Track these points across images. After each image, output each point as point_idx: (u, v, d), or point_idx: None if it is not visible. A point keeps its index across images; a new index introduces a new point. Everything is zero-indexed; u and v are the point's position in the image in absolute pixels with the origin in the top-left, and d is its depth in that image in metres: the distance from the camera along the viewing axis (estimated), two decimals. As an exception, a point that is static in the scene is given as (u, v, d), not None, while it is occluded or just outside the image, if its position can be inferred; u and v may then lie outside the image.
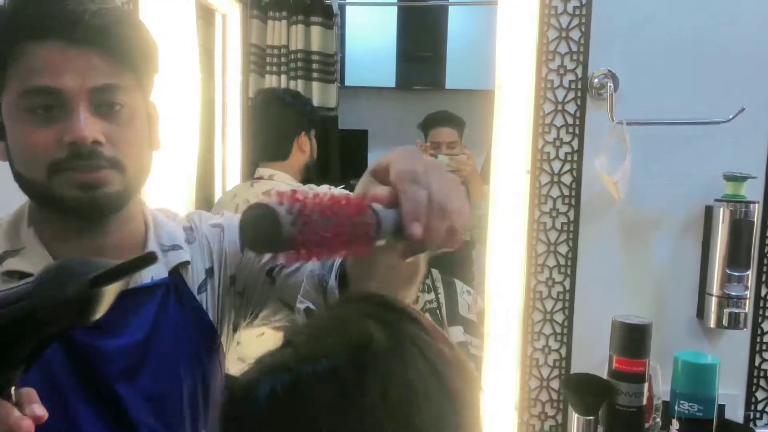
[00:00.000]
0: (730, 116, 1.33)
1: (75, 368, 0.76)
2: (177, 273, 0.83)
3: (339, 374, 0.47)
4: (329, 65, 2.47)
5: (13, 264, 0.77)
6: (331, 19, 2.47)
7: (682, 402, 1.24)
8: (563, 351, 1.43)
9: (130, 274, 0.51)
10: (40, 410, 0.53)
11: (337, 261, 0.73)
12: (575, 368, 1.42)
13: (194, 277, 0.85)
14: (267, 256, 0.85)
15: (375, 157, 0.59)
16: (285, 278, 0.81)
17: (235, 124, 2.17)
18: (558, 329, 1.42)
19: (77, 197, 0.73)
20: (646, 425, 1.30)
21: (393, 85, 2.92)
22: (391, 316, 0.52)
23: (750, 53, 1.38)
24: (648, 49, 1.38)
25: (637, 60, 1.38)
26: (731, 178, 1.34)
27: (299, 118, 1.87)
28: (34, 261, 0.77)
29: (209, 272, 0.86)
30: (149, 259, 0.51)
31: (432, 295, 1.87)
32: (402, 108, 2.88)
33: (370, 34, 2.86)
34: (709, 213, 1.38)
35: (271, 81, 2.42)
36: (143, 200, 0.86)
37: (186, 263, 0.84)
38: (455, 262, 2.01)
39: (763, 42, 1.38)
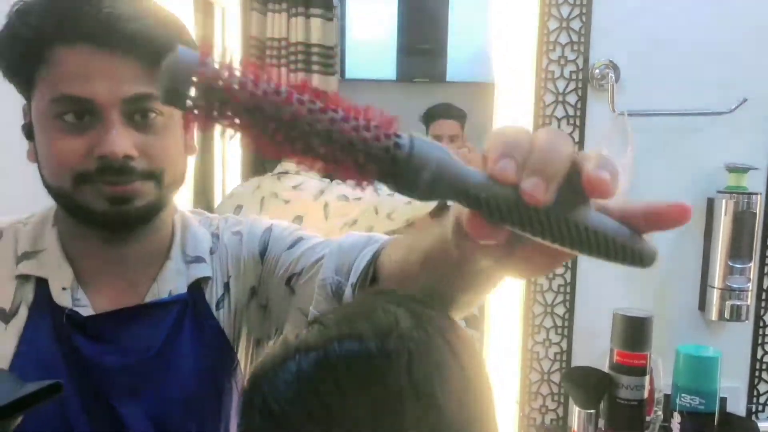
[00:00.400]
0: (733, 107, 1.32)
1: (79, 385, 0.73)
2: (197, 287, 0.79)
3: (367, 354, 0.48)
4: (329, 57, 2.45)
5: (27, 267, 0.75)
6: (331, 11, 2.46)
7: (683, 395, 1.23)
8: (564, 344, 1.42)
9: (30, 408, 0.48)
10: None
11: (356, 269, 0.66)
12: (576, 361, 1.41)
13: (213, 293, 0.80)
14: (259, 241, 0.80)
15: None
16: (303, 287, 0.75)
17: (235, 119, 2.16)
18: (559, 322, 1.41)
19: (105, 210, 0.69)
20: (648, 419, 1.29)
21: (393, 77, 2.90)
22: (415, 305, 0.53)
23: (752, 43, 1.36)
24: (649, 39, 1.37)
25: (639, 50, 1.37)
26: (733, 169, 1.33)
27: None
28: (50, 266, 0.75)
29: (227, 287, 0.81)
30: (56, 389, 0.48)
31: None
32: (403, 101, 2.85)
33: (371, 26, 2.84)
34: (711, 205, 1.37)
35: (270, 74, 2.41)
36: (176, 204, 0.82)
37: (207, 278, 0.79)
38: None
39: (765, 32, 1.36)
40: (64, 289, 0.74)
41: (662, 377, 1.32)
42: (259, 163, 1.87)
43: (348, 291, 0.66)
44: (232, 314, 0.81)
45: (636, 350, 1.25)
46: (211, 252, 0.81)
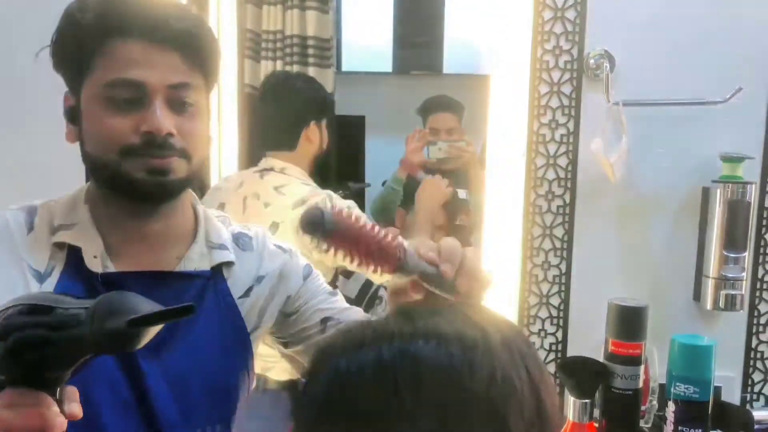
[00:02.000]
0: (728, 96, 1.32)
1: None
2: (219, 270, 0.89)
3: (451, 357, 0.48)
4: (325, 50, 2.44)
5: (64, 236, 0.83)
6: (327, 4, 2.44)
7: (678, 384, 1.23)
8: (559, 334, 1.42)
9: (168, 321, 0.57)
10: (77, 409, 0.61)
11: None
12: (571, 351, 1.42)
13: (238, 280, 0.90)
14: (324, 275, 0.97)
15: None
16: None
17: (231, 112, 2.15)
18: (554, 313, 1.42)
19: (144, 180, 0.79)
20: (643, 408, 1.29)
21: (390, 70, 2.89)
22: (503, 323, 0.54)
23: (747, 33, 1.36)
24: (644, 28, 1.36)
25: (634, 40, 1.37)
26: (728, 158, 1.33)
27: (309, 105, 1.77)
28: (84, 237, 0.83)
29: (259, 280, 0.92)
30: (190, 309, 0.56)
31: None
32: (400, 93, 2.85)
33: (367, 19, 2.84)
34: (705, 194, 1.37)
35: (266, 67, 2.39)
36: (194, 194, 0.92)
37: (230, 263, 0.90)
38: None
39: (760, 22, 1.36)
40: (95, 257, 0.82)
41: (657, 367, 1.32)
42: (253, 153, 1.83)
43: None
44: (258, 305, 0.91)
45: (631, 340, 1.25)
46: (243, 249, 0.92)
